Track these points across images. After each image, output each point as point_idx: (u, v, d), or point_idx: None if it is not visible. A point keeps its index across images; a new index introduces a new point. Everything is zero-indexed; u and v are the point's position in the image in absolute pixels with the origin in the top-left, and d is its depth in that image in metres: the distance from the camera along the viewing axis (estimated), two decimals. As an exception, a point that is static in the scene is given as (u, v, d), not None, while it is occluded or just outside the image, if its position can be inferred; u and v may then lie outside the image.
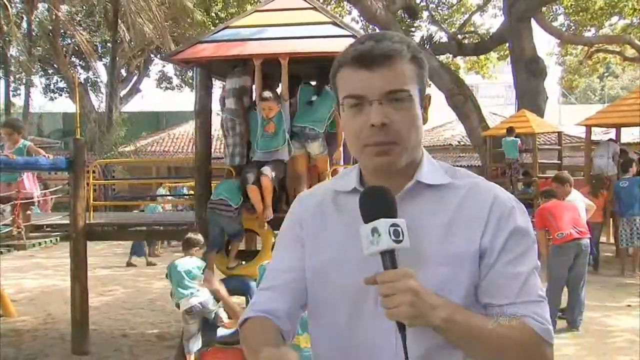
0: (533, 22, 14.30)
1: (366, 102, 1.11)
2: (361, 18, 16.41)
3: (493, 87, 33.91)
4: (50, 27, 20.39)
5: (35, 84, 25.09)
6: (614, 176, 9.85)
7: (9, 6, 17.45)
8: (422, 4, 17.99)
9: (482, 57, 19.67)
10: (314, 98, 5.08)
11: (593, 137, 11.57)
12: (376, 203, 1.07)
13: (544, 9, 15.84)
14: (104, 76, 23.65)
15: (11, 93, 20.65)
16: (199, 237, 4.93)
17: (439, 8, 20.05)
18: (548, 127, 12.35)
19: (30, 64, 19.44)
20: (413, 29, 16.91)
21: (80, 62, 24.99)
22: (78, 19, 22.58)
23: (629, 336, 5.90)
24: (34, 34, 20.45)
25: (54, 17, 19.36)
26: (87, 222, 5.77)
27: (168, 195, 12.55)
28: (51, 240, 5.71)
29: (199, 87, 5.39)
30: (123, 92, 23.49)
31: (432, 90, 12.52)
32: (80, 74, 24.98)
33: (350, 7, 18.54)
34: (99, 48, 24.14)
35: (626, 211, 8.80)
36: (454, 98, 13.48)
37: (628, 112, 10.33)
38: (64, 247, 6.56)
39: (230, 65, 5.46)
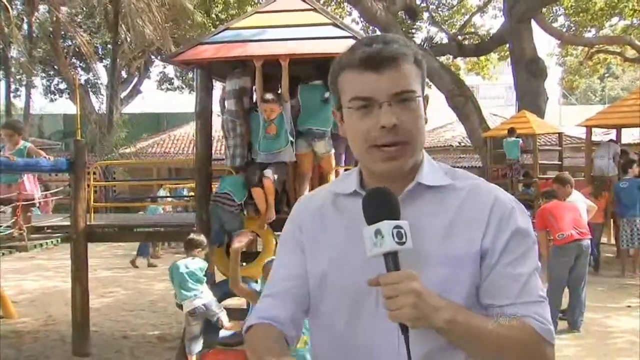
0: (533, 23, 14.31)
1: (374, 103, 1.12)
2: (361, 19, 16.40)
3: (493, 88, 33.87)
4: (51, 29, 20.37)
5: (36, 85, 25.19)
6: (615, 177, 9.85)
7: (9, 8, 17.45)
8: (422, 5, 17.96)
9: (482, 58, 19.64)
10: (327, 94, 5.01)
11: (593, 138, 11.58)
12: (379, 205, 1.08)
13: (544, 9, 15.84)
14: (104, 78, 23.65)
15: (12, 94, 20.65)
16: (202, 238, 4.92)
17: (439, 9, 20.08)
18: (548, 128, 12.34)
19: (30, 65, 19.42)
20: (413, 30, 16.89)
21: (81, 64, 24.94)
22: (78, 20, 22.53)
23: (629, 337, 5.90)
24: (34, 35, 20.41)
25: (54, 18, 19.33)
26: (88, 223, 5.76)
27: (169, 197, 12.55)
28: (52, 242, 5.70)
29: (199, 88, 5.39)
30: (124, 94, 23.43)
31: (433, 91, 12.63)
32: (80, 75, 24.93)
33: (350, 9, 18.54)
34: (100, 49, 24.14)
35: (626, 212, 8.79)
36: (454, 99, 13.48)
37: (628, 113, 10.33)
38: (64, 248, 6.55)
39: (230, 67, 5.46)
